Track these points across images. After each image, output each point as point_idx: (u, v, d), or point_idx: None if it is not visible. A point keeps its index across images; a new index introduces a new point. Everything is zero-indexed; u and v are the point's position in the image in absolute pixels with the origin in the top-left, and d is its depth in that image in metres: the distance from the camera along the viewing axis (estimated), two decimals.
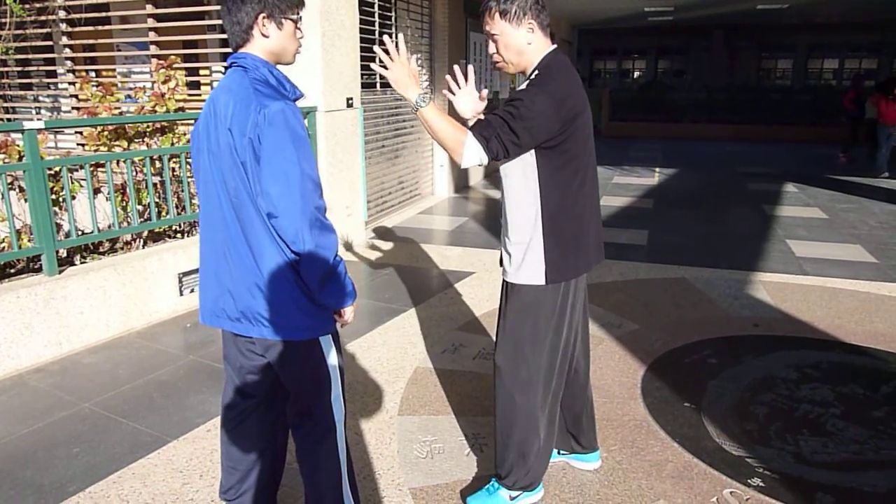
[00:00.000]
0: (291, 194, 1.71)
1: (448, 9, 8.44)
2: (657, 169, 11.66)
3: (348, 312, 1.94)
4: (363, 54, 6.18)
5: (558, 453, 2.65)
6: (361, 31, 6.20)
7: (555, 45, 2.22)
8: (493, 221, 7.42)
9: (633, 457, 2.73)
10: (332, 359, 1.97)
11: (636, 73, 27.57)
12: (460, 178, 9.47)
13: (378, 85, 7.18)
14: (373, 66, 2.17)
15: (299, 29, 1.90)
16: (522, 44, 2.14)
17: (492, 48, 2.19)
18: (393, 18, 7.45)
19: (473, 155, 2.06)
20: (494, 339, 2.40)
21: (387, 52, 2.09)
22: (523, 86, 2.14)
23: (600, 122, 18.80)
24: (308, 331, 1.88)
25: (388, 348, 3.84)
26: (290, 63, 1.94)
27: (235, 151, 1.75)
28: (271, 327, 1.84)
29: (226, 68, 1.90)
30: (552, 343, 2.27)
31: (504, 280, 2.32)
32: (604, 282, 5.04)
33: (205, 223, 1.93)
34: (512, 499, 2.36)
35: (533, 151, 2.11)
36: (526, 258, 2.20)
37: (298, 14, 1.88)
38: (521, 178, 2.16)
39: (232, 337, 2.00)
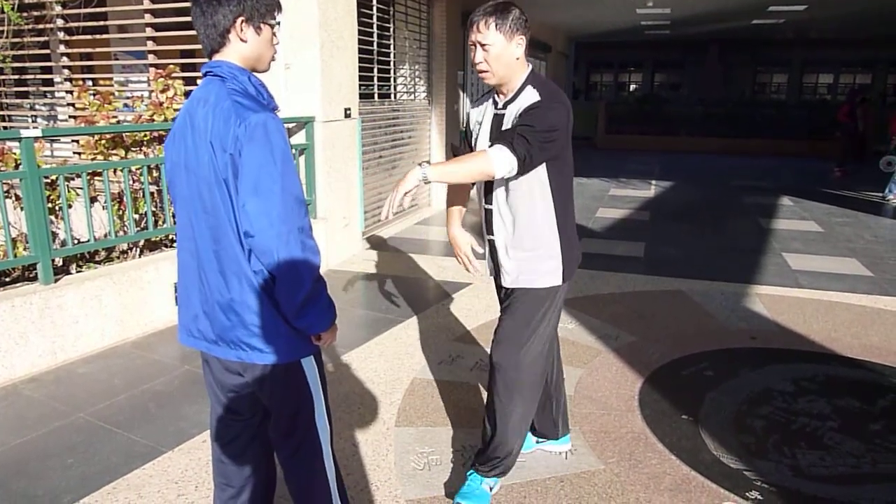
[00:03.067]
0: (270, 212, 1.61)
1: (446, 19, 8.49)
2: (653, 181, 11.70)
3: (328, 335, 1.82)
4: (361, 65, 6.20)
5: (536, 442, 2.82)
6: (360, 41, 6.22)
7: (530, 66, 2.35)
8: None
9: (631, 469, 2.72)
10: (314, 379, 1.88)
11: (632, 86, 27.72)
12: None
13: (376, 96, 7.20)
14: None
15: (276, 35, 1.82)
16: (512, 58, 2.22)
17: (479, 56, 2.23)
18: (391, 29, 7.48)
19: (504, 161, 2.11)
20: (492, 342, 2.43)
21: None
22: (523, 101, 2.25)
23: (596, 134, 18.88)
24: (288, 354, 1.79)
25: (384, 359, 3.83)
26: (265, 71, 1.83)
27: (216, 168, 1.65)
28: (249, 351, 1.77)
29: (201, 77, 1.81)
30: (551, 342, 2.45)
31: (510, 288, 2.41)
32: (600, 293, 5.04)
33: (181, 242, 1.85)
34: (490, 488, 2.48)
35: (545, 163, 2.23)
36: (544, 263, 2.34)
37: (277, 19, 1.79)
38: (536, 188, 2.28)
39: (211, 356, 1.93)
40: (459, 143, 2.59)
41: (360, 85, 6.24)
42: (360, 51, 6.24)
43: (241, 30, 1.72)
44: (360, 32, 6.17)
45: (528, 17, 2.26)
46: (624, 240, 7.01)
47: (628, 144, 18.37)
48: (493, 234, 2.42)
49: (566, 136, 2.25)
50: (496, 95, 2.37)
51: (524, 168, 2.15)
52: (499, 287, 2.55)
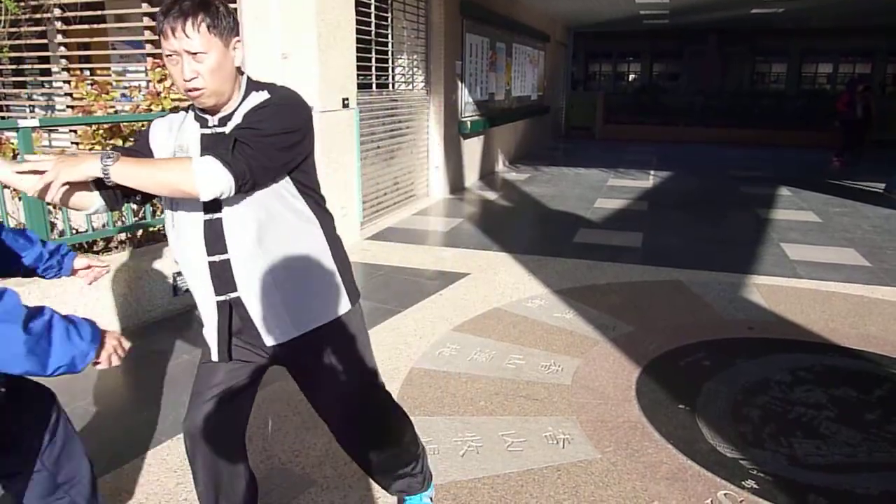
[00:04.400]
0: None
1: (444, 9, 8.45)
2: (652, 172, 11.70)
3: (103, 355, 1.48)
4: (359, 55, 6.18)
5: None
6: (358, 31, 6.19)
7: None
8: (488, 223, 7.42)
9: (628, 458, 2.73)
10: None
11: (631, 77, 27.65)
12: (456, 180, 9.47)
13: (374, 86, 7.18)
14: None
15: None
16: (233, 67, 1.70)
17: (188, 71, 1.62)
18: (389, 18, 7.45)
19: (213, 179, 1.57)
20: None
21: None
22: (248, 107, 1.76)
23: (595, 124, 18.86)
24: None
25: (382, 349, 3.84)
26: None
27: None
28: None
29: None
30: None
31: (293, 339, 1.85)
32: (598, 284, 5.05)
33: None
34: (431, 499, 2.36)
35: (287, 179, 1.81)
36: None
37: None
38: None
39: None
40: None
41: (358, 75, 6.22)
42: (358, 40, 6.22)
43: None
44: (357, 22, 6.15)
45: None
46: (622, 230, 7.01)
47: (627, 135, 18.35)
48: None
49: (310, 142, 1.80)
50: (198, 111, 1.76)
51: (244, 188, 1.62)
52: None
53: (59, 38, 6.30)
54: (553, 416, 3.08)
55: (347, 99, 5.92)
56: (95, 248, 4.39)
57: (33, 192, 1.59)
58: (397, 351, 3.81)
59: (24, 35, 6.29)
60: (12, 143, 4.04)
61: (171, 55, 1.63)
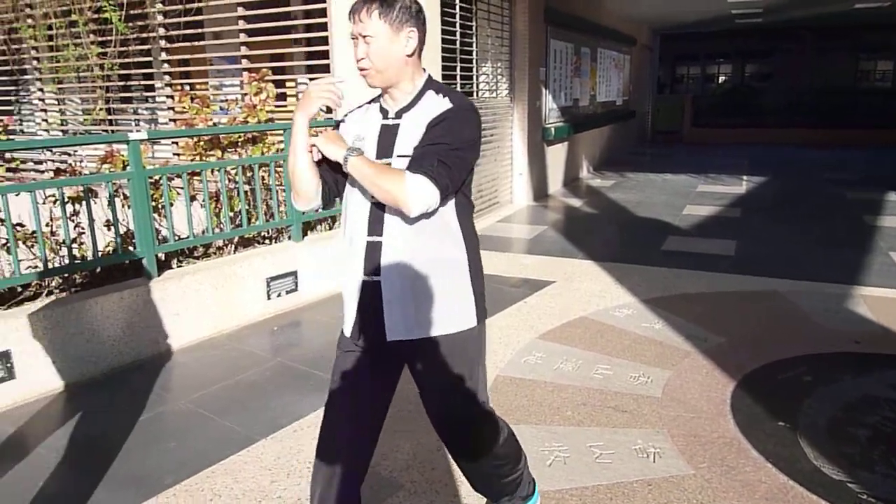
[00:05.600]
0: None
1: (528, 16, 8.43)
2: (744, 177, 11.22)
3: None
4: (444, 63, 6.24)
5: None
6: (443, 40, 6.27)
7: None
8: (572, 230, 7.33)
9: (723, 476, 2.62)
10: None
11: (721, 78, 26.63)
12: (539, 187, 9.41)
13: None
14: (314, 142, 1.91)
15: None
16: (400, 54, 1.84)
17: (360, 51, 1.83)
18: (474, 27, 7.50)
19: (424, 196, 1.74)
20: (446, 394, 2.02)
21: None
22: (428, 109, 1.87)
23: (682, 128, 18.28)
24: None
25: None
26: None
27: None
28: None
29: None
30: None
31: (414, 340, 1.90)
32: (688, 293, 4.88)
33: None
34: None
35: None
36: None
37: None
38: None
39: None
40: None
41: (444, 83, 6.29)
42: (443, 49, 6.29)
43: None
44: (442, 31, 6.22)
45: (422, 10, 1.89)
46: (713, 237, 6.75)
47: (716, 138, 17.71)
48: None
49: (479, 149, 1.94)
50: (383, 102, 1.95)
51: (446, 200, 1.81)
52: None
53: (163, 55, 6.69)
54: (643, 428, 3.00)
55: None
56: (196, 254, 4.63)
57: (306, 148, 1.89)
58: None
59: (131, 53, 6.72)
60: (122, 156, 4.32)
61: (354, 38, 1.84)
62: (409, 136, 1.85)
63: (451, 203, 1.88)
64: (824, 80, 21.38)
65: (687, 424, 3.02)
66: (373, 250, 1.86)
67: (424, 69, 1.95)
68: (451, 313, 1.91)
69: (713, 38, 24.01)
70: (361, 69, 1.85)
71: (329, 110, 2.02)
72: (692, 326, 4.22)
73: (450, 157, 1.77)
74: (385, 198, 1.77)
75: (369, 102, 2.02)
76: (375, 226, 1.86)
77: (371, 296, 1.89)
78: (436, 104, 1.86)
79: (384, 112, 1.93)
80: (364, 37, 1.80)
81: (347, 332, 1.98)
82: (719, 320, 4.32)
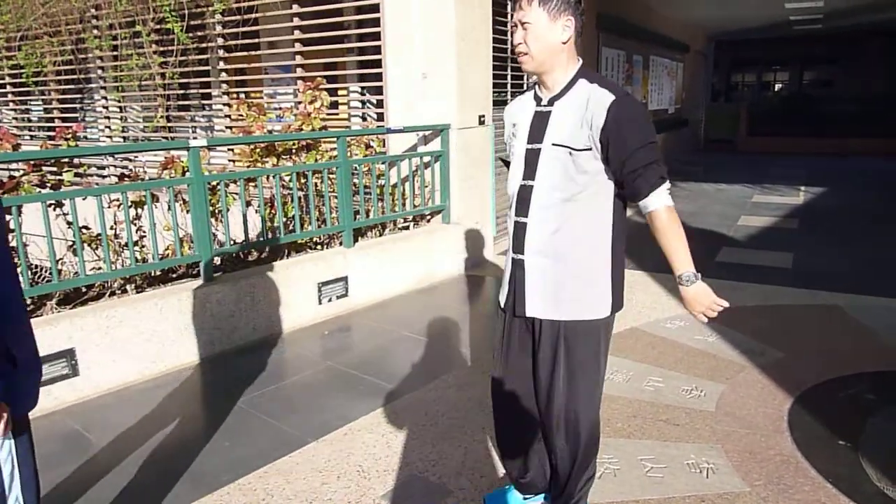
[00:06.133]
0: None
1: None
2: (802, 187, 10.89)
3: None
4: (495, 72, 6.26)
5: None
6: (494, 48, 6.28)
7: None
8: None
9: (780, 495, 2.55)
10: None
11: (778, 86, 25.90)
12: None
13: (509, 102, 7.23)
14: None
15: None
16: (556, 41, 1.94)
17: (518, 36, 1.96)
18: None
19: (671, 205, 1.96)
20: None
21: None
22: (580, 97, 1.97)
23: (737, 137, 17.87)
24: None
25: None
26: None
27: None
28: None
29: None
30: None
31: (548, 320, 2.04)
32: (745, 306, 4.76)
33: None
34: None
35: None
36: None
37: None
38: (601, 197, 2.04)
39: None
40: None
41: (494, 92, 6.30)
42: (494, 58, 6.30)
43: None
44: (494, 40, 6.23)
45: (581, 1, 1.99)
46: (770, 249, 6.57)
47: (773, 147, 17.23)
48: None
49: None
50: (538, 90, 2.07)
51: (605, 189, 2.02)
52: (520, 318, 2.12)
53: (221, 64, 6.89)
54: (695, 443, 2.93)
55: (483, 116, 6.01)
56: (250, 258, 4.74)
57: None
58: None
59: (190, 63, 6.94)
60: (182, 162, 4.46)
61: (514, 25, 1.98)
62: (560, 123, 1.96)
63: (611, 191, 1.98)
64: (892, 88, 20.59)
65: (742, 440, 2.95)
66: (519, 230, 2.02)
67: (579, 58, 2.03)
68: (586, 299, 1.99)
69: (770, 45, 23.40)
70: (518, 53, 1.98)
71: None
72: (748, 340, 4.11)
73: (654, 153, 1.91)
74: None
75: (527, 90, 2.17)
76: (522, 207, 2.00)
77: (517, 272, 2.05)
78: (588, 93, 1.93)
79: (538, 99, 2.05)
80: (523, 23, 1.92)
81: (502, 303, 2.16)
82: (777, 334, 4.20)
